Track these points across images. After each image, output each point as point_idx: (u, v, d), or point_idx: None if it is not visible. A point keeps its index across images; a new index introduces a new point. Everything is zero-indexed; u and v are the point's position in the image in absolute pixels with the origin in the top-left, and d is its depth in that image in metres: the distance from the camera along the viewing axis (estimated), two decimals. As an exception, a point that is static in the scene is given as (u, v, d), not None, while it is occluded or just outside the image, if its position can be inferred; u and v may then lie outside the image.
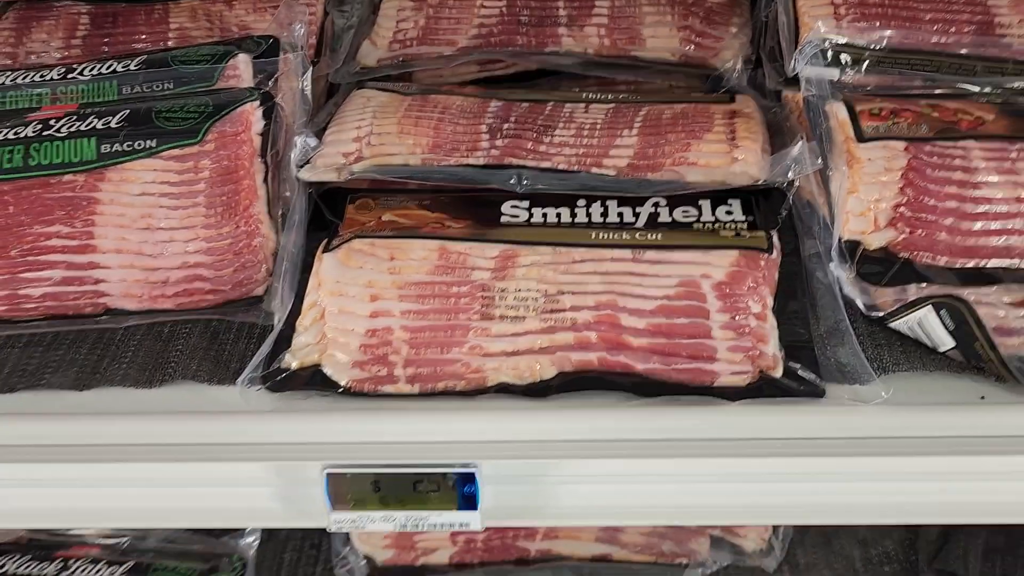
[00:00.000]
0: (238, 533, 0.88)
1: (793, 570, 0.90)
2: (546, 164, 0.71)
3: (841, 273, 0.62)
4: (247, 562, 0.86)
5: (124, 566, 0.86)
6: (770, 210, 0.70)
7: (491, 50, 0.87)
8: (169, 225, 0.69)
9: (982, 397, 0.58)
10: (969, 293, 0.60)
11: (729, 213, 0.70)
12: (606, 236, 0.67)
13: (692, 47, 0.85)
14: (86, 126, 0.71)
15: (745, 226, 0.68)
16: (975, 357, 0.59)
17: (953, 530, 0.91)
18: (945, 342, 0.59)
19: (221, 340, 0.66)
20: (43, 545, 0.89)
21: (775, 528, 0.90)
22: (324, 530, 0.82)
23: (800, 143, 0.67)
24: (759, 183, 0.68)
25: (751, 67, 0.84)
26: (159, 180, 0.70)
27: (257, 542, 0.87)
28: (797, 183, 0.68)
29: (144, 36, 0.88)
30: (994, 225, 0.63)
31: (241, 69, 0.76)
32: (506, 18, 0.88)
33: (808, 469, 0.55)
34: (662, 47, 0.86)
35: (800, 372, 0.59)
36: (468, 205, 0.72)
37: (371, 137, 0.75)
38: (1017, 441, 0.56)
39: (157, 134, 0.70)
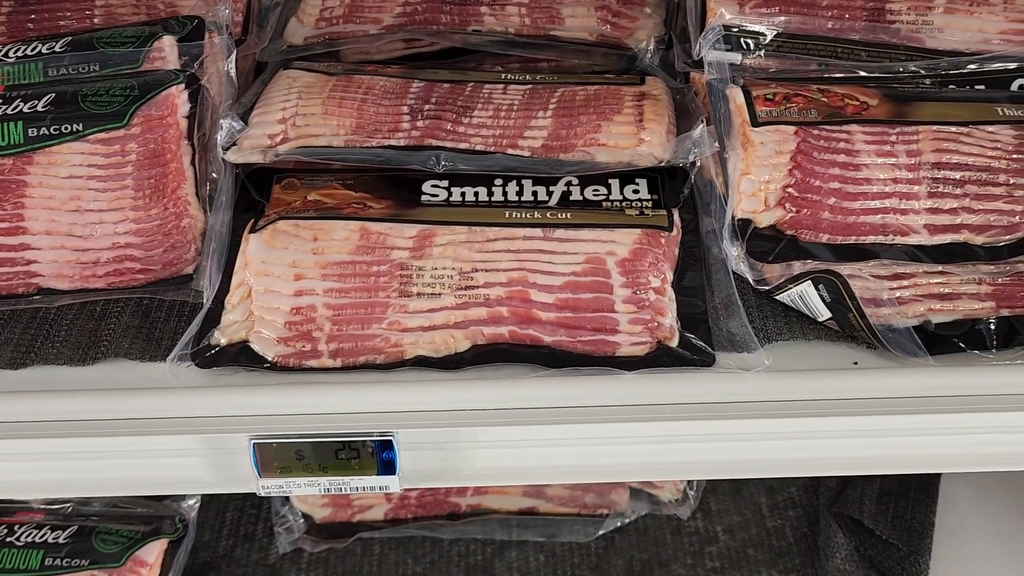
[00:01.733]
0: (179, 496, 0.92)
1: (706, 516, 0.97)
2: (464, 145, 0.75)
3: (732, 250, 0.67)
4: (188, 523, 0.90)
5: (68, 530, 0.89)
6: (674, 189, 0.74)
7: (415, 29, 0.89)
8: (98, 207, 0.71)
9: (855, 363, 0.64)
10: (845, 268, 0.65)
11: (636, 192, 0.74)
12: (519, 215, 0.71)
13: (608, 27, 0.89)
14: (12, 110, 0.73)
15: (650, 204, 0.73)
16: (849, 326, 0.65)
17: (851, 477, 0.99)
18: (823, 313, 0.65)
19: (152, 318, 0.69)
20: (-15, 512, 0.92)
21: (689, 479, 0.96)
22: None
23: (701, 126, 0.72)
24: (664, 163, 0.73)
25: (664, 47, 0.88)
26: (87, 163, 0.72)
27: (198, 504, 0.91)
28: (699, 163, 0.73)
29: (70, 14, 0.88)
30: (872, 204, 0.68)
31: (166, 51, 0.78)
32: (430, -4, 0.91)
33: (696, 431, 0.60)
34: (580, 27, 0.89)
35: (694, 342, 0.65)
36: (390, 185, 0.75)
37: (296, 118, 0.77)
38: (885, 402, 0.62)
39: (84, 117, 0.72)
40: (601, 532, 0.95)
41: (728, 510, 0.98)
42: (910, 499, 0.97)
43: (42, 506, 0.93)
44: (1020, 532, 0.96)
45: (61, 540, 0.88)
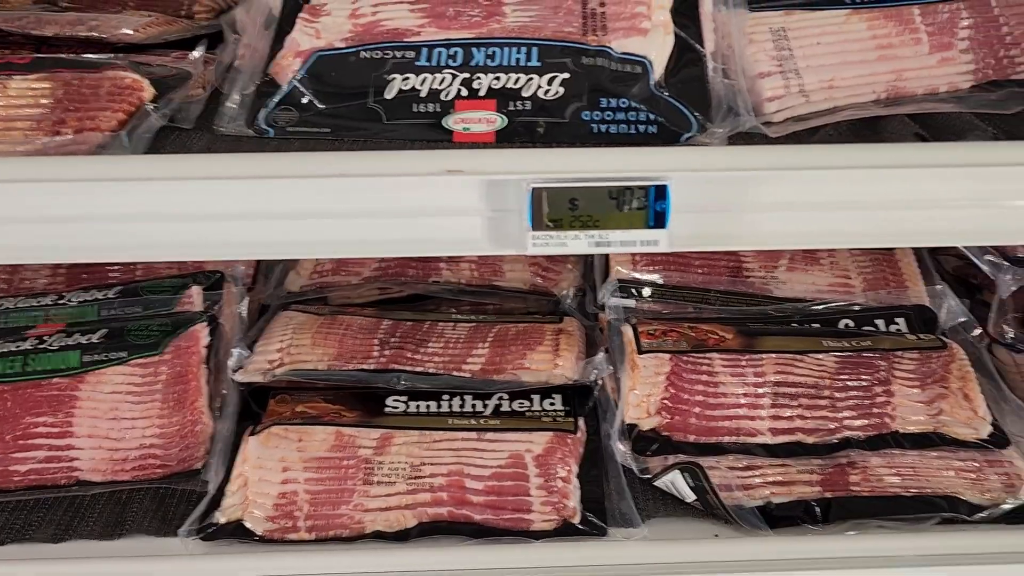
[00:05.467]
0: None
1: None
2: (420, 369, 0.97)
3: (622, 447, 0.87)
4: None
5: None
6: (581, 403, 0.96)
7: (387, 280, 1.15)
8: (132, 415, 0.91)
9: (716, 535, 0.82)
10: (706, 461, 0.85)
11: (552, 404, 0.95)
12: (460, 422, 0.92)
13: (539, 279, 1.14)
14: (72, 341, 0.95)
15: (562, 414, 0.94)
16: (709, 506, 0.83)
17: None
18: (689, 495, 0.84)
19: (167, 503, 0.87)
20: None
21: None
22: None
23: (601, 354, 0.95)
24: (573, 382, 0.95)
25: (582, 294, 1.13)
26: (127, 382, 0.93)
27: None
28: (599, 383, 0.95)
29: (118, 266, 1.13)
30: (728, 412, 0.90)
31: (194, 298, 1.02)
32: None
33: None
34: (517, 279, 1.14)
35: (591, 519, 0.83)
36: (360, 399, 0.96)
37: (291, 348, 0.99)
38: (741, 564, 0.80)
39: (127, 347, 0.94)
40: None
41: None
42: None
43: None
44: None
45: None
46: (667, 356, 0.93)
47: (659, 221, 0.67)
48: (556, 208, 0.68)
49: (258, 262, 1.17)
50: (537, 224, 0.68)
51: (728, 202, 0.68)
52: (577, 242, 0.69)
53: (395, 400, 0.96)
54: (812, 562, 0.78)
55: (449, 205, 0.68)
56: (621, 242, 0.69)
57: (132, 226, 0.68)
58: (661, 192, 0.67)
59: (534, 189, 0.67)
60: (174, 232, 0.68)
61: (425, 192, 0.68)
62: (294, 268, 1.17)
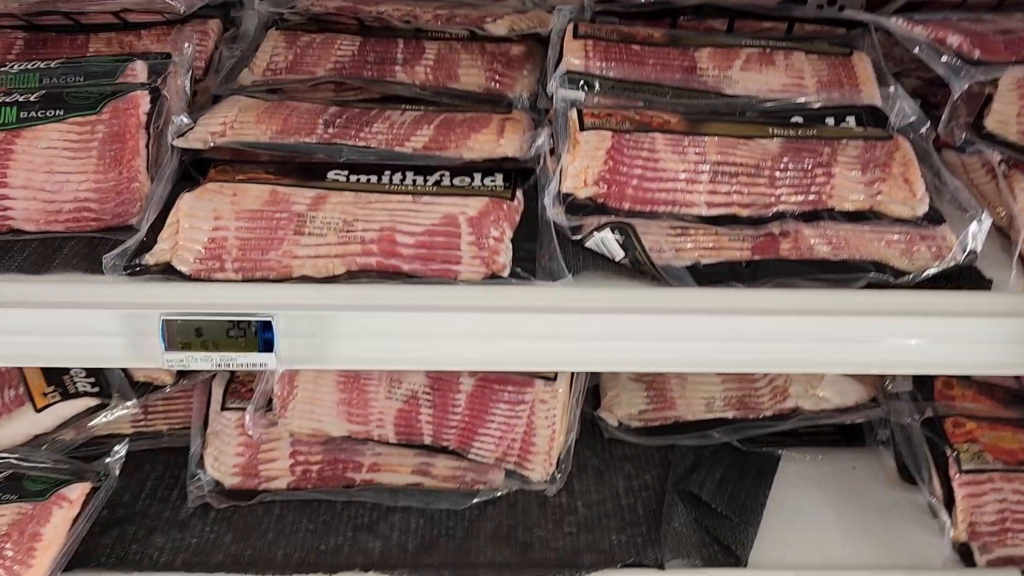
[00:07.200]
0: (106, 452, 1.05)
1: (569, 494, 1.10)
2: (363, 144, 0.96)
3: (555, 211, 0.87)
4: (110, 473, 1.02)
5: (2, 474, 1.02)
6: (522, 179, 0.95)
7: (344, 78, 1.13)
8: (67, 170, 0.91)
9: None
10: (638, 222, 0.85)
11: (492, 180, 0.95)
12: (397, 188, 0.91)
13: (495, 84, 1.13)
14: (10, 99, 0.94)
15: (502, 187, 0.93)
16: (637, 263, 0.83)
17: (699, 463, 1.13)
18: (618, 253, 0.84)
19: (99, 251, 0.87)
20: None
21: (558, 463, 1.10)
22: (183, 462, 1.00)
23: (544, 130, 0.94)
24: (516, 158, 0.94)
25: (535, 97, 1.11)
26: (63, 139, 0.92)
27: (121, 459, 1.04)
28: (542, 162, 0.94)
29: (67, 52, 1.12)
30: (665, 186, 0.89)
31: (138, 70, 1.00)
32: (356, 58, 1.15)
33: (510, 326, 0.78)
34: (472, 83, 1.13)
35: (520, 273, 0.83)
36: (302, 172, 0.95)
37: (235, 123, 0.98)
38: (661, 309, 0.80)
39: (65, 107, 0.93)
40: (475, 501, 1.08)
41: (589, 490, 1.11)
42: (745, 483, 1.11)
43: (-15, 461, 1.06)
44: (837, 513, 1.10)
45: (-6, 483, 1.01)
46: (609, 133, 0.92)
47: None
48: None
49: (210, 57, 1.16)
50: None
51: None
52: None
53: (336, 173, 0.95)
54: (735, 311, 0.79)
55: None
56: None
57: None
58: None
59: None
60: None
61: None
62: (247, 65, 1.15)
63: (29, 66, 1.01)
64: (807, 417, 1.17)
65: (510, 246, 0.86)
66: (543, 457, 1.08)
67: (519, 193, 0.92)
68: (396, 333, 0.78)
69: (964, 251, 0.83)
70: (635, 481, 1.13)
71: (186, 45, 1.06)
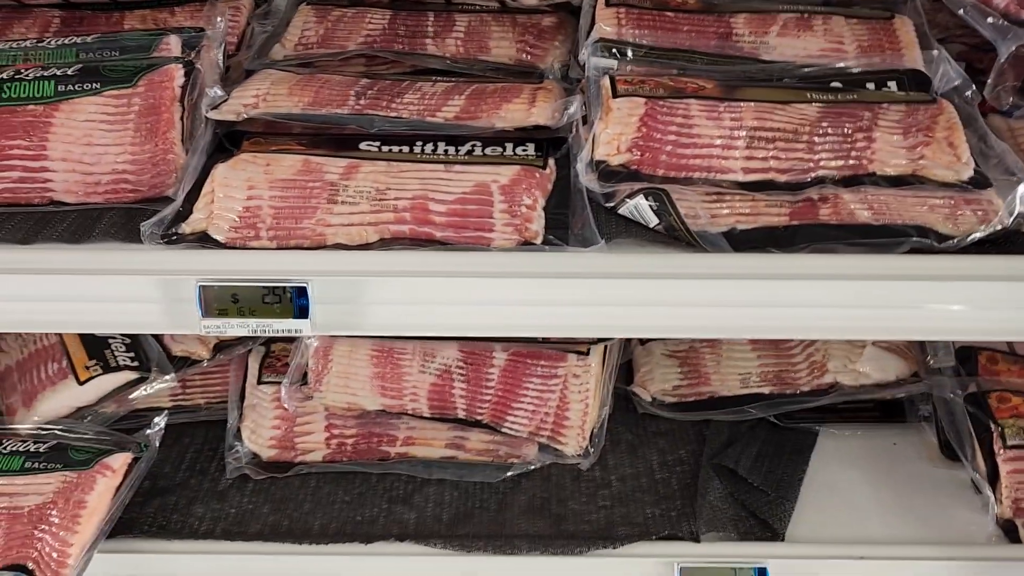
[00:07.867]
0: (147, 423, 1.07)
1: (603, 468, 1.09)
2: (394, 114, 0.96)
3: (588, 178, 0.86)
4: (151, 444, 1.04)
5: (48, 443, 1.03)
6: (555, 149, 0.94)
7: (375, 50, 1.13)
8: (104, 143, 0.92)
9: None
10: (672, 188, 0.84)
11: (524, 150, 0.94)
12: (429, 157, 0.91)
13: (526, 55, 1.12)
14: (48, 74, 0.95)
15: (534, 156, 0.93)
16: (672, 230, 0.82)
17: (735, 439, 1.12)
18: (652, 220, 0.83)
19: (136, 221, 0.88)
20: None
21: (591, 437, 1.10)
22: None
23: (577, 98, 0.93)
24: (548, 127, 0.93)
25: (567, 67, 1.10)
26: (100, 111, 0.93)
27: (161, 431, 1.05)
28: (574, 131, 0.93)
29: (103, 27, 1.13)
30: (700, 152, 0.88)
31: (172, 45, 1.01)
32: (387, 31, 1.15)
33: (543, 292, 0.77)
34: (504, 55, 1.12)
35: (553, 240, 0.83)
36: (334, 143, 0.95)
37: (267, 95, 0.99)
38: (693, 273, 0.79)
39: (101, 80, 0.94)
40: (509, 475, 1.08)
41: (623, 464, 1.10)
42: (782, 459, 1.10)
43: (28, 431, 1.08)
44: (876, 490, 1.08)
45: (41, 450, 1.03)
46: (642, 100, 0.91)
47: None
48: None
49: (243, 33, 1.16)
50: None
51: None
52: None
53: (368, 143, 0.95)
54: (772, 276, 0.77)
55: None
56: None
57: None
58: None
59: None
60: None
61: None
62: (279, 40, 1.15)
63: (66, 41, 1.02)
64: (846, 392, 1.15)
65: (542, 214, 0.85)
66: (576, 431, 1.08)
67: (551, 162, 0.91)
68: (430, 299, 0.78)
69: (1011, 215, 0.81)
70: (669, 456, 1.12)
71: (219, 20, 1.06)
